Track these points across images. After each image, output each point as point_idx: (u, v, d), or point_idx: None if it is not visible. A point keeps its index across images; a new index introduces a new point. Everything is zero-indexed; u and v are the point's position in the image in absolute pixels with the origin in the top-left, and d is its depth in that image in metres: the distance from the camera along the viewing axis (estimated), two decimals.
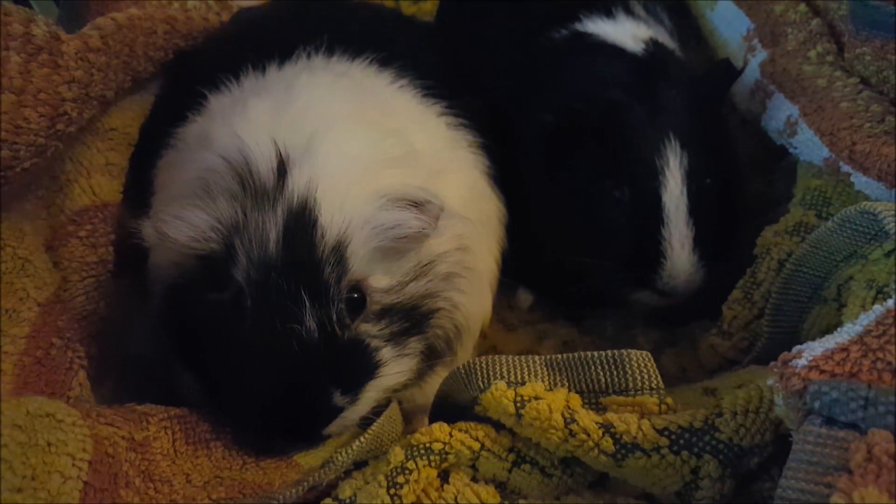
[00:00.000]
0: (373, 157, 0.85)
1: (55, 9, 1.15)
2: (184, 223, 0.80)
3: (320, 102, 0.91)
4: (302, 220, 0.78)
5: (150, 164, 1.00)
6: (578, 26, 1.20)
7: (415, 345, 0.86)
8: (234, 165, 0.81)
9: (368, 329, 0.82)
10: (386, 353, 0.82)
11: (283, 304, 0.77)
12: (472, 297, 0.95)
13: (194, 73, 1.05)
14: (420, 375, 0.91)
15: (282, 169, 0.80)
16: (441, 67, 1.12)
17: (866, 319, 0.66)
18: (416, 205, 0.82)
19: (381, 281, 0.83)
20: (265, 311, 0.77)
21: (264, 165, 0.80)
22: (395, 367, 0.83)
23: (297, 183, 0.80)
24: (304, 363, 0.76)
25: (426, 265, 0.87)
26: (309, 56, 1.01)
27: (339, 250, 0.79)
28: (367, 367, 0.81)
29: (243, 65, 1.00)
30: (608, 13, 1.21)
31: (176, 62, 1.09)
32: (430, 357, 0.91)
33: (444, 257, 0.89)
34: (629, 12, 1.23)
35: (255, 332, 0.77)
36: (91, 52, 0.90)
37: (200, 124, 0.95)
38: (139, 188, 0.99)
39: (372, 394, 0.82)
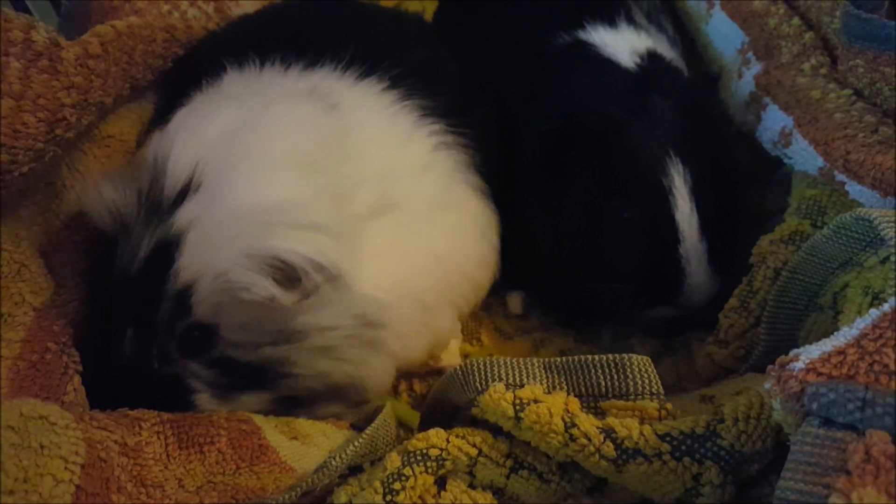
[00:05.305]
0: (272, 216, 0.80)
1: (55, 16, 1.16)
2: (97, 192, 0.83)
3: (275, 140, 0.86)
4: (164, 255, 0.80)
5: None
6: (581, 34, 1.18)
7: (249, 400, 0.84)
8: (156, 167, 0.83)
9: (197, 370, 0.83)
10: (203, 398, 0.83)
11: (113, 322, 0.82)
12: (363, 367, 0.89)
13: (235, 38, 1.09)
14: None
15: (182, 195, 0.81)
16: (455, 79, 1.11)
17: (862, 323, 0.66)
18: (290, 273, 0.78)
19: (232, 334, 0.82)
20: (101, 321, 0.82)
21: (172, 184, 0.82)
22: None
23: (182, 216, 0.80)
24: (110, 383, 0.82)
25: (294, 334, 0.83)
26: (330, 70, 1.00)
27: (184, 294, 0.80)
28: (173, 404, 0.82)
29: (268, 50, 1.00)
30: (611, 21, 1.19)
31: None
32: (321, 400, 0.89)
33: (326, 330, 0.84)
34: (631, 20, 1.21)
35: (93, 333, 0.85)
36: (91, 58, 0.91)
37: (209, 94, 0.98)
38: None
39: None
